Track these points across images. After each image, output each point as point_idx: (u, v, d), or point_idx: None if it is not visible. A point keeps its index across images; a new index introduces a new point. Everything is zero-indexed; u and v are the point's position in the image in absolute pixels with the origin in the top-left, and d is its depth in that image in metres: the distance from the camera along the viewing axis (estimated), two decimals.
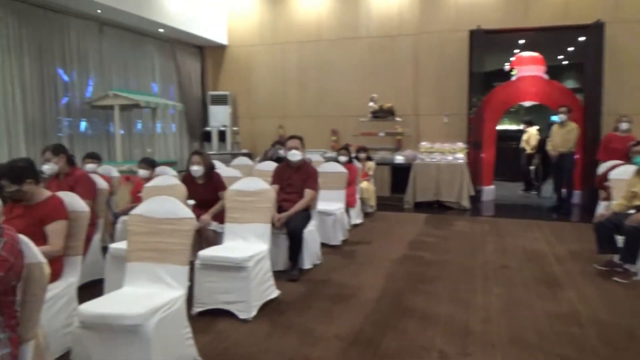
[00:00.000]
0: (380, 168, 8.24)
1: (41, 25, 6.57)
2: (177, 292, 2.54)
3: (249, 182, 3.85)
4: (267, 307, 3.42)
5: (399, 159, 8.42)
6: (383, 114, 8.63)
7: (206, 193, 4.27)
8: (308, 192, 4.37)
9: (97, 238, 3.92)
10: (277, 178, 4.53)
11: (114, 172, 5.06)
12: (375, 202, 7.50)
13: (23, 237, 1.78)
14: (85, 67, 7.34)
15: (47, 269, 1.75)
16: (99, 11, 7.05)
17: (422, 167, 7.95)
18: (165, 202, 2.77)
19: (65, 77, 7.03)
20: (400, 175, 8.23)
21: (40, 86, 6.58)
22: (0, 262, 1.51)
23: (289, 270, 4.13)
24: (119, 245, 3.57)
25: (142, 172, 4.78)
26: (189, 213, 2.70)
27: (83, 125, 7.39)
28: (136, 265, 2.70)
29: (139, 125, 8.58)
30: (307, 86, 9.55)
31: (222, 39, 9.78)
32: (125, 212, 4.61)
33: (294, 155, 4.43)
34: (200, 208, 4.18)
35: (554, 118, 8.57)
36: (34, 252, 1.76)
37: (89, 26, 7.38)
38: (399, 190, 8.23)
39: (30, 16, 6.39)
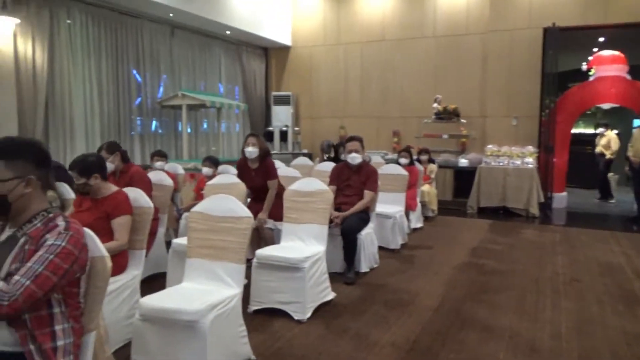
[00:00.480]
0: (443, 171, 7.99)
1: (118, 29, 6.96)
2: (233, 290, 2.57)
3: (308, 183, 3.84)
4: (322, 309, 3.40)
5: (463, 162, 8.13)
6: (447, 115, 8.37)
7: (258, 179, 4.25)
8: (367, 194, 4.29)
9: (161, 232, 4.07)
10: (335, 178, 4.47)
11: (180, 169, 5.24)
12: (437, 206, 7.28)
13: (88, 231, 1.85)
14: (157, 68, 7.70)
15: (109, 263, 1.81)
16: (171, 15, 7.36)
17: (487, 171, 7.63)
18: (225, 200, 2.81)
19: (139, 78, 7.41)
20: (463, 179, 7.95)
21: (116, 87, 6.97)
22: (66, 255, 1.57)
23: (345, 273, 4.08)
24: (181, 241, 3.69)
25: (206, 170, 4.92)
26: (247, 212, 2.72)
27: (154, 124, 7.75)
28: (195, 262, 2.76)
29: (205, 125, 8.88)
30: (369, 86, 9.46)
31: (286, 40, 9.91)
32: (189, 208, 4.76)
33: (355, 159, 4.36)
34: (256, 202, 4.21)
35: (638, 122, 7.92)
36: (98, 246, 1.83)
37: (162, 29, 7.73)
38: (462, 194, 7.96)
39: (109, 20, 6.79)
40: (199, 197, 4.93)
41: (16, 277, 1.47)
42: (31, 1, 5.61)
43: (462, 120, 8.36)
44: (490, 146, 8.09)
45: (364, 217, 4.30)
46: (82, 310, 1.75)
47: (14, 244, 1.60)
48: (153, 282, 3.66)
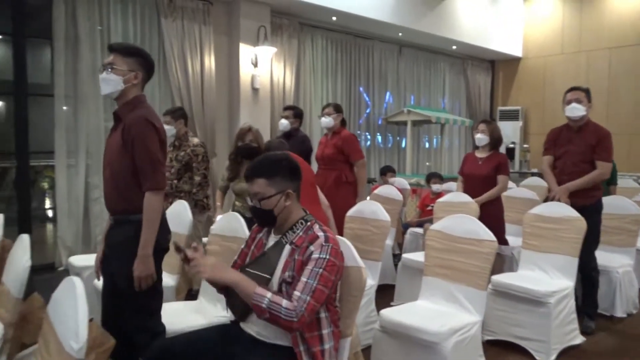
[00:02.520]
0: None
1: (352, 51, 7.49)
2: (473, 317, 2.42)
3: (552, 207, 3.42)
4: (568, 354, 2.96)
5: None
6: None
7: (484, 169, 3.86)
8: (598, 165, 3.38)
9: (389, 245, 4.15)
10: (552, 145, 3.64)
11: (406, 184, 5.31)
12: None
13: (344, 240, 1.96)
14: (384, 85, 8.02)
15: (365, 274, 1.87)
16: (400, 34, 7.59)
17: None
18: (466, 220, 2.69)
19: (367, 96, 7.83)
20: None
21: (348, 104, 7.50)
22: (331, 268, 1.67)
23: (582, 318, 3.32)
24: (411, 256, 3.69)
25: (436, 187, 4.84)
26: (490, 235, 2.55)
27: (378, 139, 8.08)
28: (432, 281, 2.70)
29: (426, 140, 8.88)
30: (618, 99, 8.11)
31: (516, 51, 9.23)
32: (415, 224, 4.78)
33: (574, 110, 3.53)
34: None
35: None
36: (355, 256, 1.91)
37: (390, 48, 8.04)
38: None
39: (344, 43, 7.36)
40: (424, 213, 4.90)
41: (297, 294, 1.63)
42: (284, 32, 6.46)
43: None
44: None
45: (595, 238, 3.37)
46: (339, 315, 1.85)
47: (281, 250, 1.79)
48: (381, 292, 3.74)
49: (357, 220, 3.21)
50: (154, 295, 2.14)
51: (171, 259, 2.45)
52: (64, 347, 1.26)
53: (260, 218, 1.85)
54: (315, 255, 1.69)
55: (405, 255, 3.76)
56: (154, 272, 2.06)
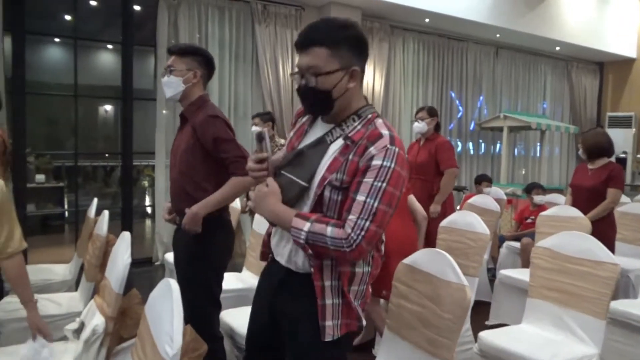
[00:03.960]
0: None
1: (444, 54, 7.19)
2: (589, 349, 2.13)
3: None
4: None
5: None
6: None
7: (591, 180, 3.49)
8: None
9: (484, 259, 3.87)
10: None
11: (502, 194, 4.96)
12: None
13: (444, 253, 1.81)
14: (478, 89, 7.61)
15: (469, 293, 1.70)
16: (497, 35, 7.17)
17: None
18: (580, 238, 2.39)
19: (458, 101, 7.48)
20: None
21: (438, 109, 7.19)
22: (396, 180, 1.31)
23: None
24: (510, 273, 3.41)
25: (539, 198, 4.45)
26: (611, 257, 2.24)
27: (470, 146, 7.68)
28: (538, 303, 2.43)
29: (521, 147, 8.30)
30: None
31: (630, 52, 8.36)
32: (512, 237, 4.43)
33: None
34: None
35: None
36: (457, 272, 1.75)
37: (486, 50, 7.62)
38: None
39: (437, 46, 7.09)
40: (522, 226, 4.54)
41: (352, 218, 1.27)
42: (375, 36, 6.36)
43: None
44: None
45: None
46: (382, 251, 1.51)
47: (323, 150, 1.38)
48: (474, 309, 3.48)
49: (451, 232, 3.01)
50: (213, 302, 2.16)
51: None
52: (158, 350, 1.24)
53: (311, 101, 1.38)
54: (376, 162, 1.28)
55: (503, 272, 3.47)
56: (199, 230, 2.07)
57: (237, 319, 2.36)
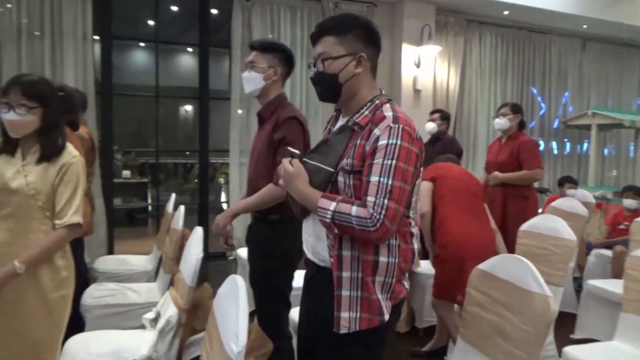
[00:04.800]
0: None
1: (524, 47, 6.78)
2: None
3: None
4: None
5: None
6: None
7: None
8: None
9: (570, 267, 3.59)
10: None
11: (590, 197, 4.58)
12: None
13: (524, 260, 1.68)
14: (563, 85, 7.11)
15: (553, 304, 1.56)
16: (584, 26, 6.65)
17: None
18: None
19: (540, 97, 7.02)
20: None
21: None
22: (406, 155, 1.33)
23: None
24: (599, 284, 3.14)
25: (629, 202, 4.07)
26: None
27: (553, 145, 7.19)
28: (633, 319, 2.20)
29: (612, 147, 7.64)
30: None
31: None
32: (602, 244, 4.08)
33: None
34: None
35: None
36: (539, 281, 1.61)
37: (571, 43, 7.09)
38: None
39: (516, 39, 6.70)
40: (614, 232, 4.16)
41: (370, 199, 1.30)
42: (450, 30, 6.12)
43: None
44: None
45: None
46: (411, 231, 1.45)
47: (346, 136, 1.43)
48: (558, 320, 3.24)
49: (533, 236, 2.80)
50: (282, 301, 2.14)
51: None
52: (224, 346, 1.25)
53: (321, 85, 1.46)
54: (382, 142, 1.32)
55: (591, 282, 3.19)
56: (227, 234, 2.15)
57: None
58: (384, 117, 1.36)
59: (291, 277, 2.19)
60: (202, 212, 5.34)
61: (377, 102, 1.43)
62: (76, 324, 2.39)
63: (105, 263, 3.37)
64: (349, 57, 1.42)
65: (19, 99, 1.79)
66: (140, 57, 9.88)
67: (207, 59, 5.22)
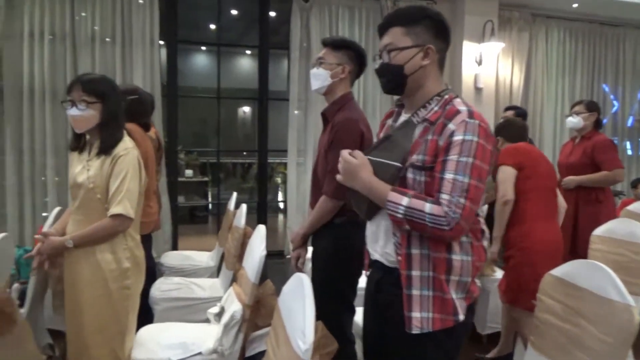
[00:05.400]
0: None
1: (595, 41, 6.40)
2: None
3: None
4: None
5: None
6: None
7: None
8: None
9: None
10: None
11: None
12: None
13: (604, 267, 1.58)
14: (638, 81, 6.64)
15: (637, 315, 1.46)
16: None
17: None
18: None
19: (613, 95, 6.60)
20: None
21: None
22: (482, 153, 1.30)
23: None
24: None
25: None
26: None
27: (627, 145, 6.74)
28: None
29: None
30: None
31: None
32: None
33: None
34: None
35: None
36: (620, 289, 1.52)
37: None
38: None
39: (586, 34, 6.34)
40: None
41: (444, 197, 1.26)
42: (513, 26, 5.89)
43: None
44: None
45: None
46: (481, 229, 1.41)
47: (412, 129, 1.39)
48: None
49: (607, 242, 2.63)
50: (346, 306, 2.12)
51: None
52: (291, 343, 1.26)
53: (386, 77, 1.42)
54: (457, 137, 1.28)
55: None
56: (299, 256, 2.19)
57: None
58: (458, 112, 1.32)
59: (355, 282, 2.16)
60: (261, 210, 5.45)
61: (446, 97, 1.39)
62: (146, 316, 2.51)
63: (170, 258, 3.51)
64: (416, 48, 1.38)
65: (80, 95, 1.91)
66: (200, 60, 10.24)
67: (266, 60, 5.32)
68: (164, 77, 4.98)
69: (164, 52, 4.98)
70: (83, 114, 1.92)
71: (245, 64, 10.47)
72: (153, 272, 3.02)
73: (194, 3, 5.97)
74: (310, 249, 2.24)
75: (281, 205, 7.69)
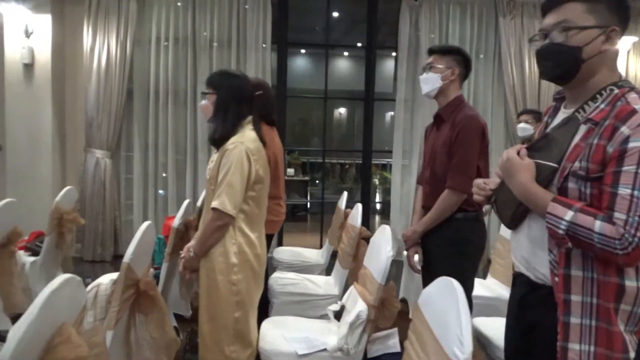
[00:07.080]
0: None
1: None
2: None
3: None
4: None
5: None
6: None
7: None
8: None
9: None
10: None
11: None
12: None
13: None
14: None
15: None
16: None
17: None
18: None
19: None
20: None
21: None
22: None
23: None
24: None
25: None
26: None
27: None
28: None
29: None
30: None
31: None
32: None
33: None
34: None
35: None
36: None
37: None
38: None
39: None
40: None
41: (619, 216, 1.06)
42: None
43: None
44: None
45: None
46: None
47: (574, 128, 1.20)
48: None
49: None
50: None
51: None
52: (445, 351, 1.20)
53: (554, 60, 1.22)
54: (634, 144, 1.07)
55: None
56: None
57: (491, 328, 2.21)
58: (634, 111, 1.10)
59: (473, 280, 2.19)
60: (364, 211, 5.42)
61: (617, 91, 1.18)
62: (263, 308, 2.58)
63: (281, 254, 3.61)
64: (598, 29, 1.18)
65: (205, 88, 2.12)
66: (300, 62, 10.49)
67: (374, 61, 5.29)
68: (274, 78, 5.14)
69: (274, 55, 5.14)
70: (204, 104, 2.10)
71: (342, 65, 10.54)
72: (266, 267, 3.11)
73: (303, 7, 6.12)
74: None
75: (377, 206, 7.64)
